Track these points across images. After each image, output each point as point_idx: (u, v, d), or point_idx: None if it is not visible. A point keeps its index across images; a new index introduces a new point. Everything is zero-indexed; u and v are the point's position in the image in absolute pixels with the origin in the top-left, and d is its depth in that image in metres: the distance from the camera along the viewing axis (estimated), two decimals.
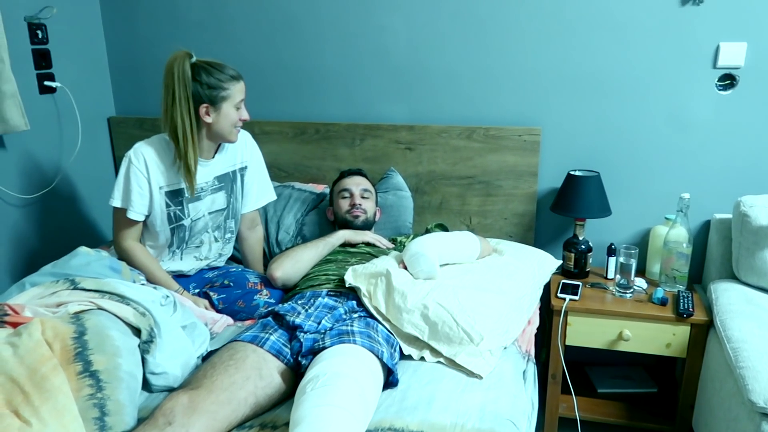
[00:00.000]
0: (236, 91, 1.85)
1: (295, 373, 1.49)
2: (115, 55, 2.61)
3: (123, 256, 1.91)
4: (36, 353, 1.27)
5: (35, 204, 2.29)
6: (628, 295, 2.05)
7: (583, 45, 2.15)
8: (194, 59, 1.81)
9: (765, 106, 2.06)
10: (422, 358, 1.62)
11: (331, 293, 1.78)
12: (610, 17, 2.10)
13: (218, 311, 1.92)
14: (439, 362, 1.60)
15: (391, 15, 2.29)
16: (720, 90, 2.09)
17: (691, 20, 2.04)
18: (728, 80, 2.07)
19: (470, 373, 1.55)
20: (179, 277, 2.02)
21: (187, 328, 1.65)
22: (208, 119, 1.83)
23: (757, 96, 2.06)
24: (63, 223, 2.43)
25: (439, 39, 2.27)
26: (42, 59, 2.27)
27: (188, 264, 2.03)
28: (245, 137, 2.06)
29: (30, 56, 2.23)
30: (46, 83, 2.28)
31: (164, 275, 1.93)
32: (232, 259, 2.23)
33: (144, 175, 1.87)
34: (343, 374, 1.31)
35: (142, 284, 1.75)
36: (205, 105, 1.81)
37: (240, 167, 2.04)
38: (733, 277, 2.03)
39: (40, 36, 2.24)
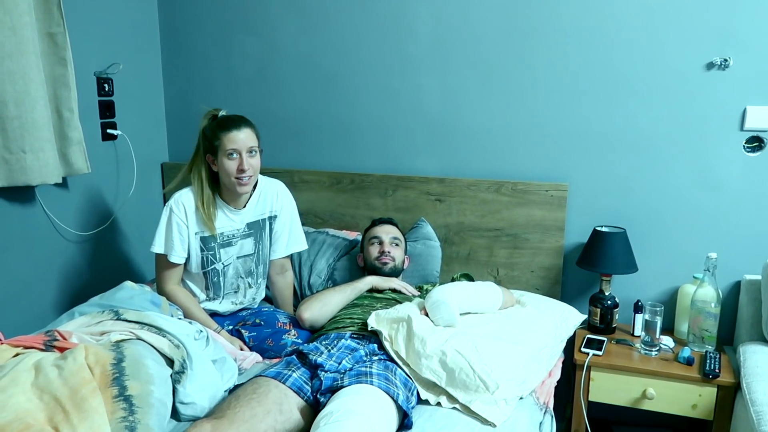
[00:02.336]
0: (226, 140, 1.93)
1: (314, 410, 1.55)
2: (171, 106, 2.83)
3: (166, 299, 2.02)
4: (78, 376, 1.39)
5: (90, 241, 2.48)
6: (653, 353, 2.04)
7: (610, 105, 2.22)
8: (221, 113, 2.00)
9: None
10: (439, 404, 1.66)
11: (354, 336, 1.85)
12: (637, 79, 2.18)
13: (249, 348, 2.02)
14: (454, 408, 1.64)
15: (426, 75, 2.42)
16: (748, 152, 2.11)
17: (718, 84, 2.09)
18: (756, 142, 2.10)
19: (484, 421, 1.58)
20: (214, 315, 2.13)
21: (217, 362, 1.75)
22: (215, 168, 2.00)
23: None
24: (113, 259, 2.60)
25: (470, 98, 2.38)
26: (107, 110, 2.50)
27: (225, 307, 2.15)
28: (277, 188, 2.18)
29: (96, 107, 2.46)
30: (109, 131, 2.50)
31: (204, 315, 2.05)
32: (265, 299, 2.34)
33: (184, 222, 2.01)
34: (356, 412, 1.37)
35: (179, 319, 1.87)
36: (209, 155, 1.99)
37: (269, 216, 2.15)
38: (764, 340, 2.00)
39: (106, 89, 2.48)
